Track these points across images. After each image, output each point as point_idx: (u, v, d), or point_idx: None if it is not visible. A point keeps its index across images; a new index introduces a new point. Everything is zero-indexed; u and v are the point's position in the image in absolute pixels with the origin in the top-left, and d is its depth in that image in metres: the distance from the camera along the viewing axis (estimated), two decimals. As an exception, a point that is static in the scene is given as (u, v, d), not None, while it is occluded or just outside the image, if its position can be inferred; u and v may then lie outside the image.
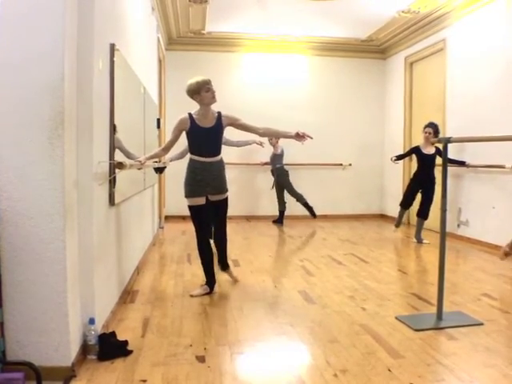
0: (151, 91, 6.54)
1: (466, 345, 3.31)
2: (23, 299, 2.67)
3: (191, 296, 4.42)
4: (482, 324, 3.69)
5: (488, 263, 5.87)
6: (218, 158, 4.47)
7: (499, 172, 6.50)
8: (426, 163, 7.02)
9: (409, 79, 9.33)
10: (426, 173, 7.01)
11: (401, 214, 7.62)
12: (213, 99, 4.35)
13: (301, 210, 9.59)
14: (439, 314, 3.79)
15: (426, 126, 7.10)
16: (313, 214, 9.22)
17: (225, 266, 4.94)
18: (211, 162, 4.43)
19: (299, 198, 9.18)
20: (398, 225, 7.76)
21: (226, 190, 4.62)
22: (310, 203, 9.27)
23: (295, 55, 10.04)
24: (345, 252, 6.57)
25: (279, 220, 9.30)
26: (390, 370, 2.91)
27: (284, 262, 6.18)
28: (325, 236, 8.00)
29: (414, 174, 7.32)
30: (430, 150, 7.01)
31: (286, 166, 9.14)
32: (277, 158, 9.05)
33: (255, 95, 9.78)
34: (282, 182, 9.12)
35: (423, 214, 7.14)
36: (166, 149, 4.55)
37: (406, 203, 7.46)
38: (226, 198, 4.66)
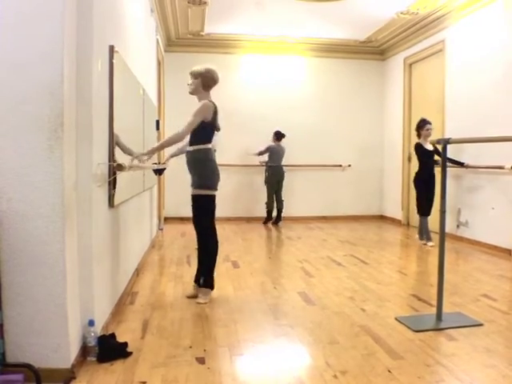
0: (150, 93, 6.54)
1: (465, 345, 3.31)
2: (23, 301, 2.67)
3: (198, 303, 4.28)
4: (481, 325, 3.69)
5: (487, 264, 5.87)
6: None
7: (499, 173, 6.50)
8: (429, 160, 6.89)
9: (408, 80, 9.33)
10: (429, 168, 6.86)
11: (424, 225, 7.05)
12: None
13: (300, 212, 9.61)
14: (439, 315, 3.79)
15: (428, 123, 6.97)
16: (267, 221, 9.40)
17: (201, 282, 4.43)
18: None
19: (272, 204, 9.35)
20: (429, 238, 7.04)
21: None
22: (310, 204, 9.30)
23: (294, 56, 10.04)
24: (344, 253, 6.57)
25: (276, 220, 9.30)
26: (389, 371, 2.91)
27: (283, 264, 6.18)
28: (324, 237, 8.00)
29: (420, 176, 7.00)
30: (430, 147, 6.89)
31: (284, 168, 9.20)
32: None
33: (254, 96, 9.78)
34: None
35: (427, 210, 6.89)
36: (185, 134, 4.19)
37: (426, 210, 6.98)
38: None
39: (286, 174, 9.37)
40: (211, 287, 4.40)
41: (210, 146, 4.30)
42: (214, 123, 4.29)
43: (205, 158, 4.30)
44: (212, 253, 4.44)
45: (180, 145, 6.44)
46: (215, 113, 4.26)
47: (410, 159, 9.08)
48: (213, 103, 4.27)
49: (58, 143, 2.64)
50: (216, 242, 4.45)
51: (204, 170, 4.31)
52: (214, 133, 4.32)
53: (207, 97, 4.31)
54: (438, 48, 8.05)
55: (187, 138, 5.03)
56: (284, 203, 9.37)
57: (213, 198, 4.39)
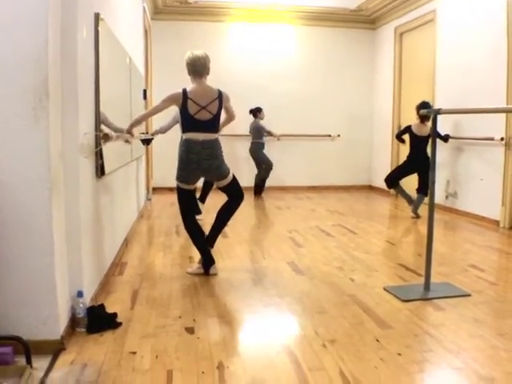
0: (137, 62, 6.44)
1: (453, 315, 3.34)
2: (10, 273, 2.65)
3: (187, 273, 4.31)
4: (469, 295, 3.71)
5: (476, 235, 5.90)
6: None
7: (488, 144, 6.50)
8: (418, 143, 6.88)
9: (398, 50, 9.26)
10: (420, 152, 6.83)
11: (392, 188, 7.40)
12: None
13: (289, 182, 9.60)
14: (427, 285, 3.81)
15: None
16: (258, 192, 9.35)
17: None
18: None
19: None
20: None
21: None
22: (299, 174, 9.31)
23: (283, 25, 9.89)
24: (333, 223, 6.59)
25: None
26: (378, 341, 2.93)
27: (272, 233, 6.19)
28: (313, 207, 8.01)
29: (408, 157, 7.09)
30: (424, 132, 6.84)
31: (257, 144, 9.16)
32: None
33: (243, 65, 9.67)
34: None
35: (424, 190, 6.79)
36: (147, 114, 4.49)
37: (391, 182, 7.22)
38: None
39: (277, 144, 9.39)
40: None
41: (186, 136, 4.12)
42: (187, 112, 4.07)
43: (180, 148, 4.23)
44: None
45: (162, 124, 6.50)
46: (185, 99, 4.04)
47: (399, 129, 9.06)
48: (196, 88, 4.11)
49: (44, 112, 2.59)
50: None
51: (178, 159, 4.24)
52: (193, 121, 4.07)
53: (194, 83, 4.15)
54: (429, 18, 7.96)
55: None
56: (258, 176, 9.29)
57: (179, 190, 4.26)
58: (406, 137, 7.15)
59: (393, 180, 7.23)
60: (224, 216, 4.43)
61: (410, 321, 3.25)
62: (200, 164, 4.11)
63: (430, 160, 3.85)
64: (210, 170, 4.19)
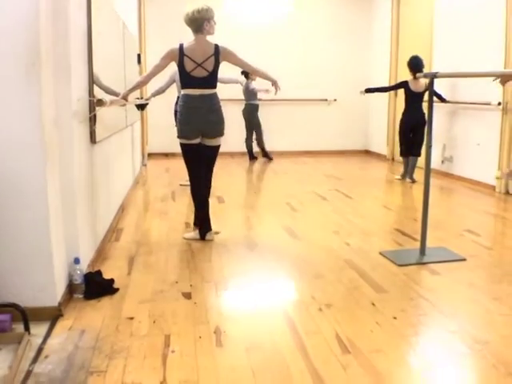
0: (131, 26, 6.34)
1: (448, 280, 3.36)
2: (6, 240, 2.63)
3: (184, 238, 4.31)
4: (464, 260, 3.73)
5: (471, 199, 5.91)
6: None
7: (485, 109, 6.46)
8: (414, 102, 6.79)
9: (396, 14, 9.09)
10: (416, 111, 6.77)
11: (405, 162, 7.06)
12: None
13: (285, 146, 9.56)
14: (422, 250, 3.83)
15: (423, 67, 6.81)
16: (267, 157, 9.26)
17: None
18: None
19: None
20: (404, 176, 7.09)
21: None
22: (296, 139, 9.26)
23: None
24: (329, 188, 6.58)
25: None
26: (373, 305, 2.95)
27: (269, 198, 6.18)
28: (309, 172, 8.00)
29: (403, 118, 6.99)
30: (419, 88, 6.78)
31: (250, 105, 8.99)
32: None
33: (240, 29, 9.50)
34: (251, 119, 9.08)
35: (416, 150, 6.81)
36: (150, 75, 4.11)
37: (406, 151, 7.01)
38: None
39: (273, 108, 9.34)
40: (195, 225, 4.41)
41: (184, 92, 4.09)
42: (184, 69, 4.00)
43: (179, 104, 4.19)
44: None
45: (159, 85, 6.44)
46: (181, 56, 3.97)
47: (396, 93, 8.99)
48: (193, 45, 4.02)
49: (36, 78, 2.54)
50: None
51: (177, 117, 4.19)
52: (189, 78, 4.01)
53: (194, 38, 4.07)
54: (428, -21, 7.84)
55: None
56: (253, 142, 9.18)
57: (183, 146, 4.18)
58: (400, 93, 7.03)
59: (407, 149, 6.98)
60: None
61: (405, 285, 3.27)
62: (199, 118, 4.05)
63: (425, 116, 3.81)
64: (209, 124, 4.10)
